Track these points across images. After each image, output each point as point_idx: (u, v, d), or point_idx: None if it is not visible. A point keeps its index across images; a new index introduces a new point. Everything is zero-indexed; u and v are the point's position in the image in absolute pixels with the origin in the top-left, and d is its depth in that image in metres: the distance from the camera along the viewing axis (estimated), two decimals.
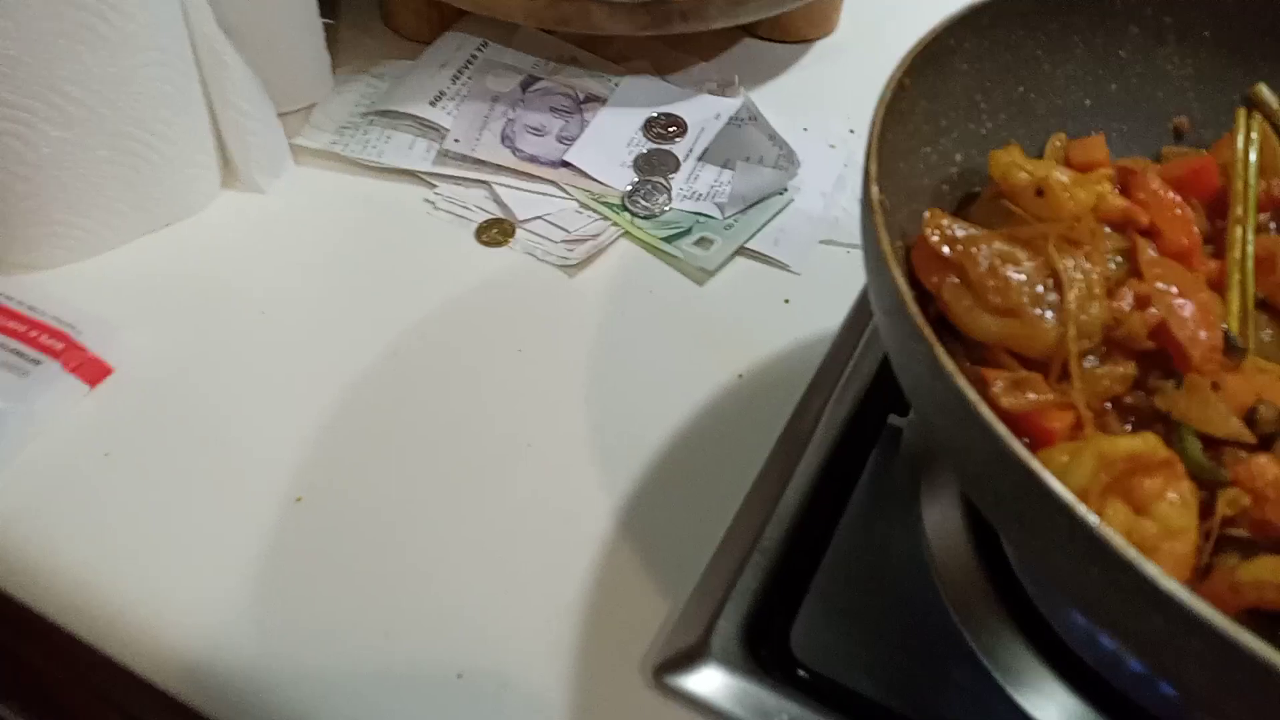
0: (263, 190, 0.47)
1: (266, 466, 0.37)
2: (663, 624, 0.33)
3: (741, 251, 0.46)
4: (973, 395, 0.22)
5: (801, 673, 0.32)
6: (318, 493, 0.37)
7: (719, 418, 0.40)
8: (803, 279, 0.45)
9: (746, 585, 0.33)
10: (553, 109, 0.51)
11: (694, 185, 0.48)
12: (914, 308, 0.24)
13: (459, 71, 0.52)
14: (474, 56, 0.53)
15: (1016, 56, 0.37)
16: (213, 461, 0.38)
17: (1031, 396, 0.28)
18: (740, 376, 0.42)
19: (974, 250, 0.31)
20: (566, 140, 0.49)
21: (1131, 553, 0.19)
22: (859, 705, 0.31)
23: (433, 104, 0.50)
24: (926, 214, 0.32)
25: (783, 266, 0.46)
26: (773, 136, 0.50)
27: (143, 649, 0.33)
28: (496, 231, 0.46)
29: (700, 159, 0.50)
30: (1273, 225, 0.35)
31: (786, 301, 0.45)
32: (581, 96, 0.52)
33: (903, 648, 0.33)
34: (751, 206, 0.47)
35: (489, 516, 0.37)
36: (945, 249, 0.31)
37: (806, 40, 0.58)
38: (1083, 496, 0.25)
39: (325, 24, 0.51)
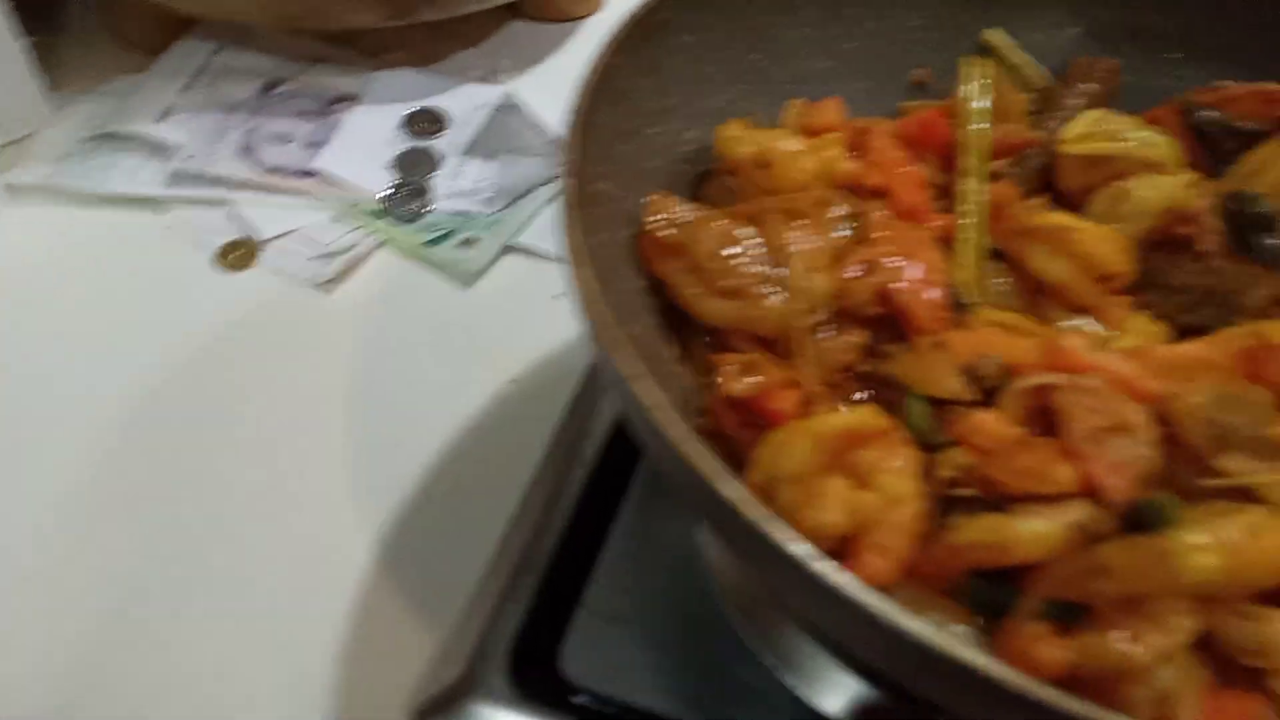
0: None
1: None
2: (426, 662, 0.31)
3: (510, 249, 0.44)
4: (648, 401, 0.21)
5: (580, 696, 0.30)
6: (39, 566, 0.33)
7: (490, 430, 0.38)
8: None
9: (515, 608, 0.31)
10: (299, 113, 0.47)
11: (459, 182, 0.46)
12: (597, 309, 0.23)
13: (190, 81, 0.48)
14: (207, 63, 0.49)
15: (744, 23, 0.35)
16: None
17: (753, 379, 0.27)
18: (513, 382, 0.40)
19: (697, 233, 0.30)
20: (316, 145, 0.46)
21: (797, 548, 0.18)
22: None
23: (160, 120, 0.46)
24: (648, 200, 0.31)
25: (554, 259, 0.44)
26: (535, 125, 0.48)
27: None
28: (239, 254, 0.42)
29: (466, 154, 0.47)
30: (1017, 171, 0.35)
31: (559, 297, 0.43)
32: (331, 97, 0.48)
33: (683, 653, 0.32)
34: (519, 199, 0.45)
35: (234, 574, 0.34)
36: (667, 234, 0.30)
37: (574, 19, 0.56)
38: (801, 478, 0.25)
39: (37, 41, 0.46)
